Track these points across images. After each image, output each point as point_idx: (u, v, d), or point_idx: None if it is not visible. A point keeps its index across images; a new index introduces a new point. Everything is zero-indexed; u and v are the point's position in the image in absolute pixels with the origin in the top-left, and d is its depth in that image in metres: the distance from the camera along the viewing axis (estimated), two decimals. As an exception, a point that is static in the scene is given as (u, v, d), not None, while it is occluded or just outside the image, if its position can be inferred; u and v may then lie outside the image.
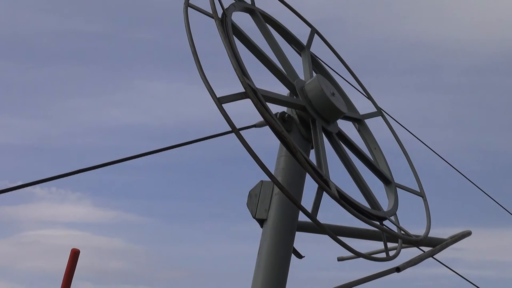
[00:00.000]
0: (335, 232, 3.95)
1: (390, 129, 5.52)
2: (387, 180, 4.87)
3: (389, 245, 4.45)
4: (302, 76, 4.65)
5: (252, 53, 4.27)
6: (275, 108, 4.09)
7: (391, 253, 4.37)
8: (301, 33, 5.09)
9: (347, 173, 4.51)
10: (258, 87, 3.64)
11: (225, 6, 4.18)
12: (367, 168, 4.83)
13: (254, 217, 4.12)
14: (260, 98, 3.51)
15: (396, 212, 4.62)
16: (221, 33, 3.69)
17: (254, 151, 3.26)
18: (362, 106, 5.33)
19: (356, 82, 5.54)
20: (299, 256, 4.20)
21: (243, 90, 3.47)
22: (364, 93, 5.58)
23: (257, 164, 3.26)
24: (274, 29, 4.86)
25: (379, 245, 4.93)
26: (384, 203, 4.62)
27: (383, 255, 4.30)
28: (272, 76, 4.29)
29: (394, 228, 4.49)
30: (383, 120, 5.52)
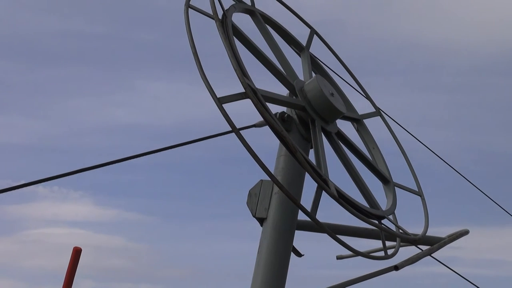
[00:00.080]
0: (334, 231, 3.95)
1: (388, 129, 5.52)
2: (385, 180, 4.87)
3: (388, 243, 4.45)
4: (301, 77, 4.65)
5: (252, 53, 4.27)
6: (274, 108, 4.09)
7: (390, 251, 4.37)
8: (301, 34, 5.09)
9: (346, 173, 4.51)
10: (258, 88, 3.64)
11: (226, 7, 4.18)
12: (365, 168, 4.83)
13: (254, 216, 4.12)
14: (260, 98, 3.51)
15: (395, 211, 4.62)
16: (221, 34, 3.69)
17: (254, 151, 3.26)
18: (361, 106, 5.33)
19: (355, 83, 5.54)
20: (299, 254, 4.20)
21: (243, 90, 3.47)
22: (362, 93, 5.59)
23: (257, 164, 3.27)
24: (274, 30, 4.86)
25: (378, 243, 4.95)
26: (383, 202, 4.62)
27: (382, 253, 4.30)
28: (272, 76, 4.29)
29: (393, 227, 4.49)
30: (381, 120, 5.52)
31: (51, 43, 20.02)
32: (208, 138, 4.37)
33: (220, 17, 3.90)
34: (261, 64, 4.27)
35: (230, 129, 3.33)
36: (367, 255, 4.24)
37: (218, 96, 3.39)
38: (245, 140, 3.29)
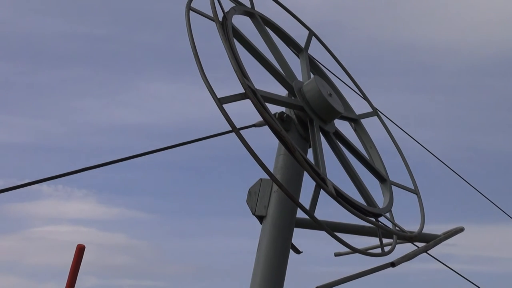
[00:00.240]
0: (332, 229, 3.95)
1: (385, 128, 5.52)
2: (382, 178, 4.87)
3: (385, 241, 4.44)
4: (300, 78, 4.65)
5: (252, 55, 4.27)
6: (274, 108, 4.09)
7: (386, 248, 4.37)
8: (299, 35, 5.09)
9: (344, 171, 4.51)
10: (257, 88, 3.64)
11: (226, 10, 4.18)
12: (363, 167, 4.83)
13: (253, 214, 4.12)
14: (259, 99, 3.51)
15: (391, 209, 4.62)
16: (221, 36, 3.69)
17: (254, 150, 3.26)
18: (358, 106, 5.33)
19: (352, 83, 5.54)
20: (297, 251, 4.20)
21: (243, 91, 3.47)
22: (360, 94, 5.58)
23: (256, 163, 3.27)
24: (273, 32, 4.86)
25: (375, 241, 4.94)
26: (380, 200, 4.62)
27: (379, 250, 4.30)
28: (271, 77, 4.30)
29: (389, 225, 4.50)
30: (378, 120, 5.51)
31: (55, 45, 20.02)
32: (209, 137, 4.37)
33: (220, 19, 3.90)
34: (260, 65, 4.28)
35: (230, 129, 3.33)
36: (364, 252, 4.24)
37: (218, 97, 3.39)
38: (245, 140, 3.29)
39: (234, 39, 3.96)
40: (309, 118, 4.24)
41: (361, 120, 5.25)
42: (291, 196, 3.53)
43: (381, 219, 4.36)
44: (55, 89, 20.26)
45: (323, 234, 3.83)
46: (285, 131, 3.74)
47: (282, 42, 4.97)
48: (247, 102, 3.48)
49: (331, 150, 4.50)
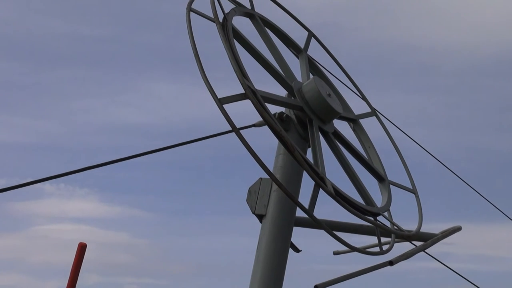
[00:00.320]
0: (331, 227, 3.95)
1: (383, 128, 5.52)
2: (380, 178, 4.87)
3: (383, 239, 4.45)
4: (299, 78, 4.65)
5: (252, 56, 4.27)
6: (273, 109, 4.09)
7: (385, 247, 4.38)
8: (299, 36, 5.09)
9: (343, 171, 4.51)
10: (257, 88, 3.64)
11: (226, 11, 4.18)
12: (361, 166, 4.83)
13: (253, 213, 4.12)
14: (259, 99, 3.51)
15: (389, 208, 4.62)
16: (222, 37, 3.69)
17: (254, 150, 3.26)
18: (357, 106, 5.33)
19: (351, 84, 5.54)
20: (297, 250, 4.20)
21: (243, 91, 3.47)
22: (359, 94, 5.59)
23: (256, 162, 3.27)
24: (273, 33, 4.86)
25: (373, 239, 4.94)
26: (378, 199, 4.62)
27: (377, 249, 4.30)
28: (271, 77, 4.30)
29: (388, 224, 4.50)
30: (377, 120, 5.52)
31: (58, 46, 20.02)
32: (209, 137, 4.37)
33: (221, 20, 3.90)
34: (260, 66, 4.28)
35: (231, 128, 3.34)
36: (363, 250, 4.24)
37: (219, 97, 3.39)
38: (245, 140, 3.29)
39: (234, 40, 3.97)
40: (309, 118, 4.24)
41: (359, 120, 5.25)
42: (290, 195, 3.54)
43: (380, 218, 4.36)
44: (56, 89, 20.27)
45: (322, 233, 3.83)
46: (284, 131, 3.75)
47: (282, 43, 4.98)
48: (247, 102, 3.48)
49: (330, 150, 4.50)
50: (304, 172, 4.00)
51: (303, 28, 5.20)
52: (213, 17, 3.80)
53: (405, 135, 6.31)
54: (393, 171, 5.07)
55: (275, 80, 4.29)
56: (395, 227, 4.50)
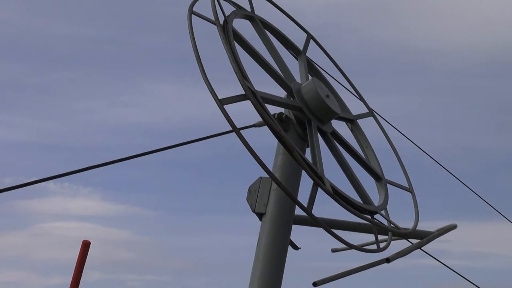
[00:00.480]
0: (329, 225, 3.96)
1: (381, 128, 5.52)
2: (378, 177, 4.87)
3: (380, 237, 4.45)
4: (298, 79, 4.65)
5: (252, 57, 4.27)
6: (273, 109, 4.10)
7: (382, 245, 4.38)
8: (298, 38, 5.09)
9: (341, 170, 4.51)
10: (257, 89, 3.64)
11: (227, 14, 4.18)
12: (359, 165, 4.83)
13: (253, 211, 4.12)
14: (259, 100, 3.51)
15: (386, 207, 4.62)
16: (222, 39, 3.70)
17: (254, 150, 3.27)
18: (355, 107, 5.33)
19: (349, 85, 5.54)
20: (296, 247, 4.20)
21: (243, 92, 3.47)
22: (356, 95, 5.59)
23: (256, 162, 3.27)
24: (273, 35, 4.86)
25: (371, 237, 4.95)
26: (375, 198, 4.63)
27: (374, 247, 4.30)
28: (271, 79, 4.30)
29: (385, 222, 4.50)
30: (374, 120, 5.52)
31: (62, 47, 20.01)
32: (210, 137, 4.38)
33: (221, 22, 3.90)
34: (260, 67, 4.28)
35: (231, 129, 3.34)
36: (360, 248, 4.24)
37: (219, 98, 3.40)
38: (245, 140, 3.30)
39: (234, 42, 3.97)
40: (307, 119, 4.24)
41: (357, 120, 5.25)
42: (289, 194, 3.54)
43: (377, 216, 4.36)
44: (61, 89, 20.27)
45: (320, 230, 3.83)
46: (284, 131, 3.75)
47: (281, 45, 4.98)
48: (247, 103, 3.48)
49: (329, 150, 4.50)
50: (303, 171, 4.00)
51: (302, 30, 5.20)
52: (214, 19, 3.81)
53: (402, 135, 6.31)
54: (390, 170, 5.08)
55: (274, 81, 4.29)
56: (392, 225, 4.51)
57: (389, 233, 4.61)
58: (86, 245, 3.51)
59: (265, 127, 3.66)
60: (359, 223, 4.84)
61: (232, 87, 3.56)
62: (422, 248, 5.01)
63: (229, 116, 3.32)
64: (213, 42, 3.81)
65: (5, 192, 3.52)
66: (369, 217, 4.18)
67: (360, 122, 5.26)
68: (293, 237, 4.14)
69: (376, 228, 4.35)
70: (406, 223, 4.72)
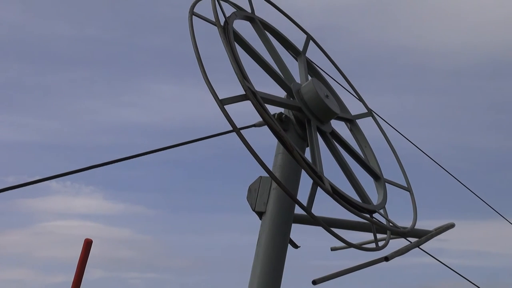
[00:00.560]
0: (329, 224, 3.96)
1: (379, 128, 5.52)
2: (376, 176, 4.88)
3: (379, 236, 4.45)
4: (298, 80, 4.65)
5: (252, 58, 4.27)
6: (273, 109, 4.10)
7: (380, 243, 4.38)
8: (298, 39, 5.09)
9: (340, 170, 4.52)
10: (257, 90, 3.64)
11: (227, 15, 4.18)
12: (358, 165, 4.83)
13: (253, 210, 4.12)
14: (259, 100, 3.51)
15: (385, 206, 4.62)
16: (223, 40, 3.70)
17: (254, 149, 3.27)
18: (354, 107, 5.33)
19: (348, 85, 5.54)
20: (295, 246, 4.20)
21: (243, 92, 3.47)
22: (355, 95, 5.59)
23: (256, 161, 3.27)
24: (273, 36, 4.86)
25: (369, 236, 4.95)
26: (374, 197, 4.63)
27: (373, 245, 4.30)
28: (271, 79, 4.30)
29: (383, 221, 4.50)
30: (373, 120, 5.52)
31: (65, 48, 20.02)
32: (211, 137, 4.37)
33: (222, 24, 3.90)
34: (260, 68, 4.28)
35: (231, 128, 3.34)
36: (359, 246, 4.24)
37: (220, 98, 3.40)
38: (245, 139, 3.30)
39: (235, 42, 3.97)
40: (307, 119, 4.24)
41: (356, 120, 5.25)
42: (289, 193, 3.54)
43: (375, 215, 4.36)
44: (63, 90, 20.28)
45: (320, 229, 3.83)
46: (283, 131, 3.75)
47: (281, 46, 4.98)
48: (248, 103, 3.48)
49: (328, 149, 4.50)
50: (303, 170, 4.00)
51: (301, 31, 5.20)
52: (214, 20, 3.81)
53: (400, 135, 6.31)
54: (389, 169, 5.08)
55: (274, 82, 4.30)
56: (390, 224, 4.51)
57: (388, 232, 4.61)
58: (88, 244, 3.51)
59: (265, 127, 3.66)
60: (358, 222, 4.84)
61: (233, 88, 3.57)
62: (420, 246, 5.01)
63: (229, 116, 3.32)
64: (214, 43, 3.81)
65: (8, 191, 3.53)
66: (368, 216, 4.19)
67: (359, 122, 5.26)
68: (292, 235, 4.15)
69: (375, 227, 4.35)
70: (404, 222, 4.73)
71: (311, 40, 5.20)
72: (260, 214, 4.10)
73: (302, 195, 3.88)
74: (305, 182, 4.05)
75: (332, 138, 4.54)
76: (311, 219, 3.70)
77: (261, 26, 4.66)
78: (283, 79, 4.32)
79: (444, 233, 5.34)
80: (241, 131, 3.36)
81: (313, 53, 5.21)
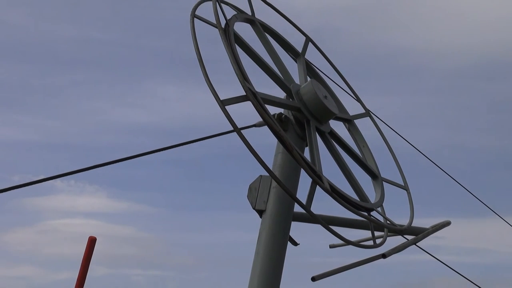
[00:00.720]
0: (327, 222, 3.95)
1: (377, 128, 5.52)
2: (374, 175, 4.88)
3: (376, 233, 4.45)
4: (297, 81, 4.65)
5: (252, 59, 4.27)
6: (273, 110, 4.09)
7: (378, 241, 4.38)
8: (297, 41, 5.09)
9: (338, 169, 4.52)
10: (257, 91, 3.64)
11: (228, 17, 4.18)
12: (356, 164, 4.83)
13: (254, 208, 4.13)
14: (259, 101, 3.51)
15: (383, 204, 4.63)
16: (224, 42, 3.69)
17: (254, 149, 3.27)
18: (352, 107, 5.33)
19: (346, 86, 5.54)
20: (295, 243, 4.21)
21: (244, 93, 3.47)
22: (353, 96, 5.59)
23: (256, 160, 3.27)
24: (272, 38, 4.86)
25: (367, 233, 4.94)
26: (372, 195, 4.63)
27: (371, 243, 4.30)
28: (271, 80, 4.30)
29: (381, 218, 4.50)
30: (371, 121, 5.52)
31: (69, 50, 20.02)
32: (212, 137, 4.38)
33: (223, 26, 3.90)
34: (260, 69, 4.28)
35: (232, 128, 3.34)
36: (357, 244, 4.24)
37: (221, 99, 3.40)
38: (246, 139, 3.30)
39: (235, 44, 3.97)
40: (306, 119, 4.24)
41: (354, 120, 5.25)
42: (289, 192, 3.54)
43: (373, 213, 4.36)
44: (68, 91, 20.29)
45: (318, 227, 3.83)
46: (283, 131, 3.75)
47: (281, 48, 4.98)
48: (248, 104, 3.48)
49: (327, 149, 4.50)
50: (302, 169, 4.00)
51: (301, 33, 5.20)
52: (215, 23, 3.81)
53: (398, 135, 6.31)
54: (386, 168, 5.08)
55: (274, 83, 4.30)
56: (388, 221, 4.51)
57: (385, 229, 4.62)
58: (92, 241, 3.51)
59: (265, 127, 3.66)
60: (356, 220, 4.84)
61: (233, 88, 3.57)
62: (417, 244, 5.01)
63: (230, 117, 3.33)
64: (215, 44, 3.81)
65: (14, 190, 3.53)
66: (366, 214, 4.19)
67: (357, 122, 5.27)
68: (292, 233, 4.15)
69: (373, 225, 4.35)
70: (401, 220, 4.73)
71: (310, 42, 5.20)
72: (260, 212, 4.10)
73: (302, 194, 3.88)
74: (305, 181, 4.05)
75: (331, 138, 4.54)
76: (310, 217, 3.70)
77: (261, 28, 4.66)
78: (282, 80, 4.32)
79: (440, 230, 5.33)
80: (242, 131, 3.36)
81: (312, 55, 5.21)
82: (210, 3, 3.98)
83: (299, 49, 5.05)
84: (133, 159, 4.10)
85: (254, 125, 4.40)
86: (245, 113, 3.95)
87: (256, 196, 4.13)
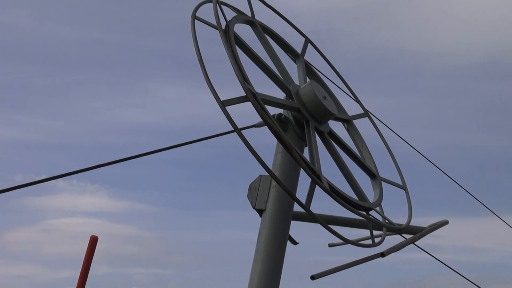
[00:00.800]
0: (326, 221, 3.96)
1: (376, 128, 5.52)
2: (373, 175, 4.88)
3: (375, 233, 4.45)
4: (297, 81, 4.65)
5: (252, 60, 4.28)
6: (272, 110, 4.10)
7: (377, 240, 4.38)
8: (296, 42, 5.09)
9: (337, 169, 4.52)
10: (257, 91, 3.64)
11: (228, 19, 4.18)
12: (355, 164, 4.83)
13: (253, 208, 4.13)
14: (259, 101, 3.52)
15: (381, 203, 4.63)
16: (224, 43, 3.70)
17: (254, 149, 3.27)
18: (351, 108, 5.34)
19: (345, 87, 5.54)
20: (294, 242, 4.21)
21: (244, 94, 3.48)
22: (352, 97, 5.59)
23: (256, 160, 3.27)
24: (272, 39, 4.87)
25: (366, 232, 4.94)
26: (370, 195, 4.63)
27: (369, 241, 4.31)
28: (270, 81, 4.30)
29: (379, 218, 4.50)
30: (369, 121, 5.52)
31: (70, 50, 20.02)
32: (212, 137, 4.38)
33: (223, 27, 3.91)
34: (260, 70, 4.28)
35: (232, 129, 3.34)
36: (356, 243, 4.25)
37: (221, 99, 3.40)
38: (246, 139, 3.30)
39: (236, 45, 3.97)
40: (305, 119, 4.24)
41: (353, 121, 5.25)
42: (288, 191, 3.54)
43: (372, 212, 4.36)
44: (70, 91, 20.29)
45: (318, 226, 3.83)
46: (283, 131, 3.75)
47: (280, 49, 4.98)
48: (248, 104, 3.48)
49: (326, 149, 4.50)
50: (301, 169, 4.00)
51: (300, 35, 5.21)
52: (216, 24, 3.81)
53: (396, 135, 6.31)
54: (385, 168, 5.08)
55: (274, 84, 4.30)
56: (386, 221, 4.51)
57: (384, 228, 4.62)
58: (94, 240, 3.51)
59: (265, 127, 3.67)
60: (355, 219, 4.84)
61: (234, 89, 3.57)
62: (415, 243, 5.01)
63: (230, 117, 3.33)
64: (215, 46, 3.81)
65: (16, 190, 3.53)
66: (365, 213, 4.19)
67: (356, 122, 5.27)
68: (291, 232, 4.15)
69: (371, 224, 4.35)
70: (400, 219, 4.73)
71: (309, 43, 5.21)
72: (260, 212, 4.11)
73: (301, 193, 3.89)
74: (304, 180, 4.06)
75: (330, 138, 4.54)
76: (309, 217, 3.70)
77: (261, 30, 4.66)
78: (282, 81, 4.32)
79: (438, 229, 5.33)
80: (242, 131, 3.36)
81: (311, 56, 5.22)
82: (211, 4, 3.98)
83: (299, 50, 5.06)
84: (134, 159, 4.10)
85: (254, 126, 4.40)
86: (245, 113, 3.96)
87: (256, 196, 4.13)
